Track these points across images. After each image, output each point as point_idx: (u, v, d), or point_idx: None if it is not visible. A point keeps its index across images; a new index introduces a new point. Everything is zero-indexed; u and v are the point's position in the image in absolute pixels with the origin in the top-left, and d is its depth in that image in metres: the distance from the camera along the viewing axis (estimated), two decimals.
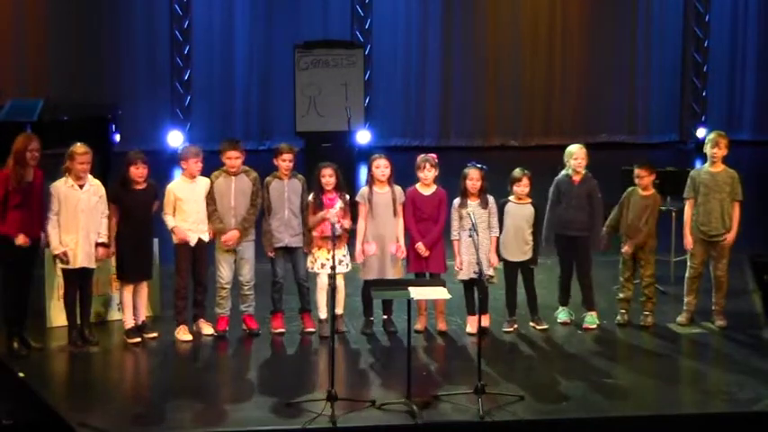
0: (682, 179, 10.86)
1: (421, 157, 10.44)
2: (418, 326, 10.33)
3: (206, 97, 19.56)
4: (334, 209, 10.11)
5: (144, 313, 10.29)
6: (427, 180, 10.32)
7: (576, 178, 10.58)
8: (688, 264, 10.66)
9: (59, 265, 9.95)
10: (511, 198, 10.44)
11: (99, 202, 9.99)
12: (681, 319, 10.62)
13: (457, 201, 10.33)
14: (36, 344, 9.94)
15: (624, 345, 10.27)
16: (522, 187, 10.37)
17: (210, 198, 10.27)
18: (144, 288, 10.28)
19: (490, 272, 10.29)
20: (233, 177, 10.28)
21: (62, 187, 9.84)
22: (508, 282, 10.47)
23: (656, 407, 8.77)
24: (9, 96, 14.71)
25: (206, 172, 10.36)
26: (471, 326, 10.19)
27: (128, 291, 10.15)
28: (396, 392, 8.80)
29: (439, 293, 9.05)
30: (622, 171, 11.40)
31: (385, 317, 10.44)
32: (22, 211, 9.67)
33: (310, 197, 10.24)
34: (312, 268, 10.24)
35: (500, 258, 10.38)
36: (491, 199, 10.35)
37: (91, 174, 10.00)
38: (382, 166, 10.30)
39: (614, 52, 20.62)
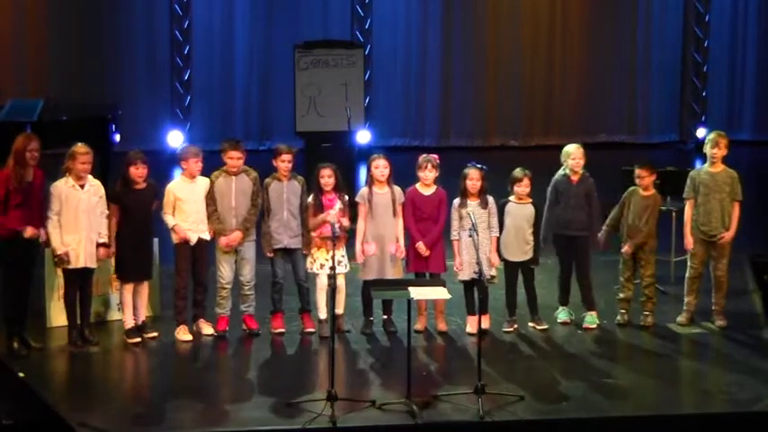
0: (682, 179, 10.86)
1: (423, 156, 10.44)
2: (418, 326, 10.33)
3: (206, 97, 19.56)
4: (334, 209, 10.11)
5: (144, 313, 10.29)
6: (428, 180, 10.32)
7: (575, 178, 10.58)
8: (688, 264, 10.66)
9: (59, 266, 9.94)
10: (511, 198, 10.44)
11: (99, 202, 10.00)
12: (681, 319, 10.62)
13: (457, 201, 10.33)
14: (36, 344, 9.94)
15: (624, 345, 10.27)
16: (523, 187, 10.37)
17: (210, 198, 10.27)
18: (144, 288, 10.28)
19: (492, 272, 10.30)
20: (233, 177, 10.29)
21: (63, 187, 9.84)
22: (508, 282, 10.47)
23: (656, 407, 8.77)
24: (9, 96, 14.70)
25: (206, 172, 10.36)
26: (471, 326, 10.19)
27: (128, 291, 10.15)
28: (396, 392, 8.80)
29: (439, 293, 9.05)
30: (622, 171, 11.40)
31: (385, 317, 10.44)
32: (22, 211, 9.67)
33: (310, 198, 10.24)
34: (312, 269, 10.25)
35: (501, 258, 10.38)
36: (491, 199, 10.35)
37: (91, 174, 10.01)
38: (381, 167, 10.30)
39: (614, 52, 20.62)
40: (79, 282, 9.98)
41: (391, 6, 20.10)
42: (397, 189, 10.35)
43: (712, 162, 10.54)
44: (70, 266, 9.89)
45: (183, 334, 10.22)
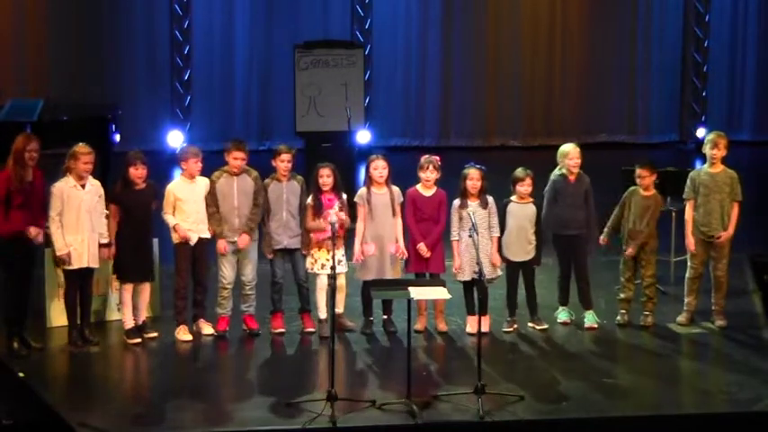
0: (682, 179, 10.85)
1: (425, 157, 10.44)
2: (418, 326, 10.33)
3: (206, 97, 19.55)
4: (334, 209, 10.11)
5: (144, 313, 10.30)
6: (429, 181, 10.32)
7: (572, 178, 10.59)
8: (688, 264, 10.66)
9: (61, 267, 9.93)
10: (513, 198, 10.44)
11: (99, 202, 10.01)
12: (681, 319, 10.62)
13: (457, 201, 10.33)
14: (36, 344, 9.94)
15: (624, 345, 10.28)
16: (526, 187, 10.37)
17: (211, 199, 10.27)
18: (146, 288, 10.28)
19: (497, 272, 10.30)
20: (235, 178, 10.29)
21: (65, 187, 9.84)
22: (510, 281, 10.47)
23: (656, 407, 8.77)
24: (9, 96, 14.70)
25: (206, 172, 10.36)
26: (471, 326, 10.19)
27: (127, 291, 10.15)
28: (396, 392, 8.80)
29: (439, 293, 9.05)
30: (622, 171, 11.40)
31: (385, 317, 10.44)
32: (23, 212, 9.67)
33: (309, 199, 10.24)
34: (312, 269, 10.25)
35: (503, 258, 10.37)
36: (491, 199, 10.35)
37: (91, 174, 10.01)
38: (380, 168, 10.30)
39: (614, 52, 20.60)
40: (80, 282, 9.98)
41: (391, 6, 20.09)
42: (396, 189, 10.36)
43: (712, 163, 10.54)
44: (72, 267, 9.89)
45: (183, 334, 10.23)
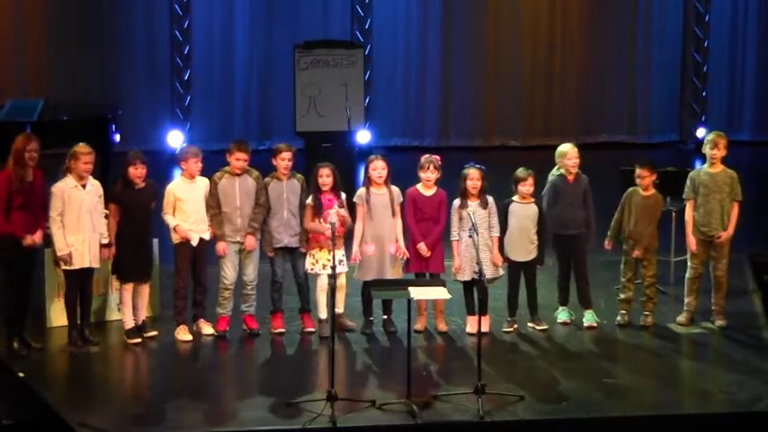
0: (682, 179, 10.85)
1: (425, 157, 10.44)
2: (418, 326, 10.33)
3: (206, 97, 19.54)
4: (334, 209, 10.11)
5: (144, 313, 10.29)
6: (430, 181, 10.32)
7: (571, 177, 10.59)
8: (688, 264, 10.66)
9: (62, 267, 9.93)
10: (515, 198, 10.44)
11: (99, 201, 10.02)
12: (681, 319, 10.62)
13: (457, 201, 10.33)
14: (36, 344, 9.94)
15: (624, 345, 10.27)
16: (528, 187, 10.38)
17: (213, 200, 10.26)
18: (145, 288, 10.28)
19: (500, 272, 10.31)
20: (237, 178, 10.29)
21: (65, 188, 9.84)
22: (511, 281, 10.47)
23: (656, 407, 8.77)
24: (9, 96, 14.70)
25: (206, 172, 10.36)
26: (471, 326, 10.19)
27: (128, 291, 10.15)
28: (396, 392, 8.80)
29: (439, 293, 9.05)
30: (622, 171, 11.39)
31: (385, 317, 10.44)
32: (24, 212, 9.67)
33: (309, 199, 10.24)
34: (313, 269, 10.24)
35: (505, 258, 10.37)
36: (491, 199, 10.35)
37: (91, 174, 10.01)
38: (379, 168, 10.30)
39: (614, 52, 20.59)
40: (80, 282, 9.98)
41: (391, 6, 20.08)
42: (395, 189, 10.36)
43: (711, 163, 10.54)
44: (73, 267, 9.88)
45: (183, 334, 10.23)
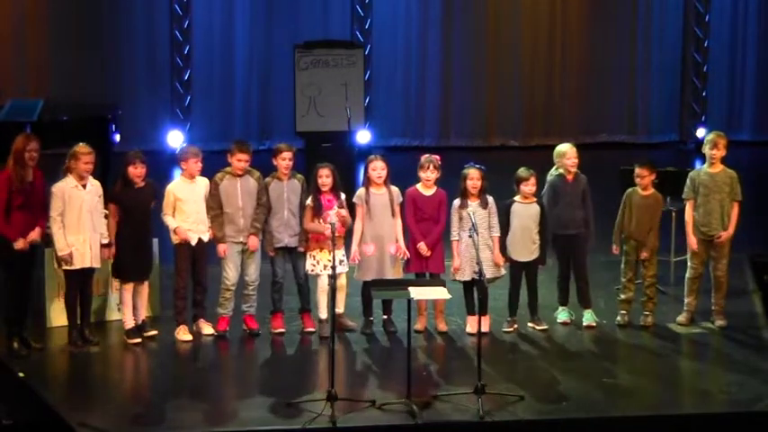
0: (682, 179, 10.85)
1: (425, 157, 10.44)
2: (418, 326, 10.33)
3: (206, 97, 19.54)
4: (333, 209, 10.11)
5: (144, 313, 10.29)
6: (429, 181, 10.32)
7: (570, 177, 10.60)
8: (688, 264, 10.66)
9: (62, 267, 9.93)
10: (516, 198, 10.44)
11: (99, 201, 10.02)
12: (681, 319, 10.62)
13: (457, 201, 10.33)
14: (36, 344, 9.94)
15: (624, 345, 10.27)
16: (530, 186, 10.38)
17: (214, 202, 10.25)
18: (144, 288, 10.28)
19: (501, 272, 10.31)
20: (238, 179, 10.28)
21: (66, 188, 9.84)
22: (513, 281, 10.47)
23: (656, 407, 8.78)
24: (9, 96, 14.69)
25: (206, 172, 10.36)
26: (471, 326, 10.19)
27: (128, 291, 10.15)
28: (396, 392, 8.80)
29: (439, 293, 9.05)
30: (621, 171, 11.39)
31: (385, 317, 10.44)
32: (24, 212, 9.67)
33: (308, 200, 10.24)
34: (314, 270, 10.24)
35: (507, 258, 10.37)
36: (491, 199, 10.35)
37: (91, 174, 10.01)
38: (378, 168, 10.30)
39: (614, 52, 20.58)
40: (80, 282, 9.98)
41: (391, 6, 20.07)
42: (395, 189, 10.36)
43: (711, 163, 10.54)
44: (73, 267, 9.88)
45: (183, 334, 10.22)
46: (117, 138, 14.47)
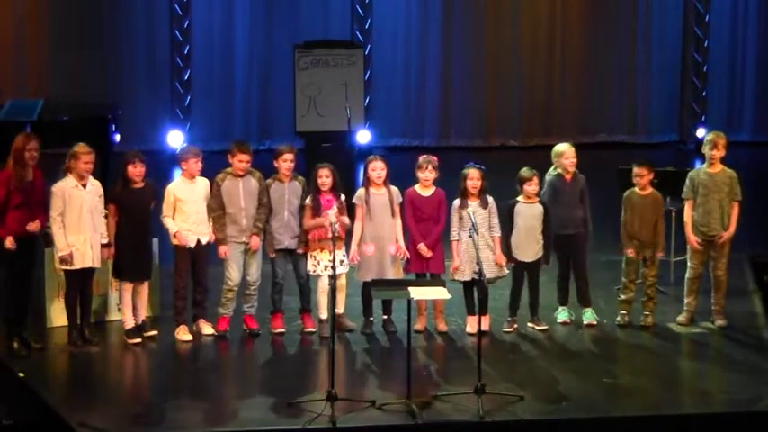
0: (681, 179, 10.85)
1: (423, 157, 10.44)
2: (418, 326, 10.33)
3: (206, 97, 19.52)
4: (333, 209, 10.11)
5: (144, 313, 10.29)
6: (428, 181, 10.32)
7: (568, 177, 10.60)
8: (688, 264, 10.66)
9: (63, 267, 9.93)
10: (520, 198, 10.44)
11: (99, 201, 10.02)
12: (681, 318, 10.63)
13: (457, 201, 10.32)
14: (36, 344, 9.94)
15: (624, 345, 10.28)
16: (533, 186, 10.38)
17: (215, 203, 10.25)
18: (144, 288, 10.28)
19: (504, 272, 10.31)
20: (240, 179, 10.28)
21: (66, 188, 9.84)
22: (516, 281, 10.46)
23: (656, 407, 8.77)
24: (9, 96, 14.69)
25: (206, 172, 10.36)
26: (471, 326, 10.19)
27: (127, 291, 10.15)
28: (396, 392, 8.80)
29: (439, 293, 9.06)
30: (620, 171, 11.39)
31: (385, 317, 10.44)
32: (22, 212, 9.67)
33: (308, 200, 10.24)
34: (315, 271, 10.23)
35: (513, 259, 10.36)
36: (491, 199, 10.35)
37: (91, 174, 10.01)
38: (378, 169, 10.30)
39: (614, 52, 20.57)
40: (80, 282, 9.98)
41: (391, 6, 20.06)
42: (395, 189, 10.36)
43: (711, 163, 10.54)
44: (74, 267, 9.88)
45: (183, 334, 10.22)
46: (117, 138, 14.46)
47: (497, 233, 10.32)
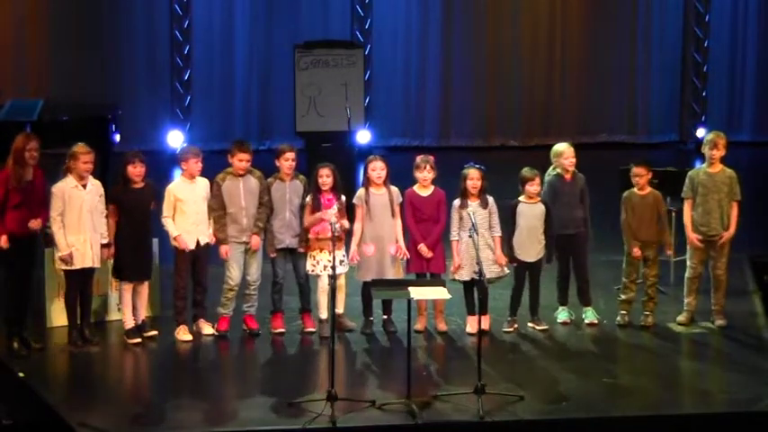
0: (682, 179, 10.84)
1: (420, 157, 10.44)
2: (418, 326, 10.33)
3: (206, 97, 19.53)
4: (333, 209, 10.11)
5: (144, 313, 10.29)
6: (426, 181, 10.32)
7: (568, 176, 10.60)
8: (687, 264, 10.66)
9: (62, 267, 9.93)
10: (521, 198, 10.44)
11: (100, 201, 10.02)
12: (681, 318, 10.63)
13: (457, 202, 10.32)
14: (36, 344, 9.94)
15: (624, 345, 10.28)
16: (535, 186, 10.38)
17: (216, 203, 10.24)
18: (144, 288, 10.27)
19: (505, 271, 10.30)
20: (240, 179, 10.28)
21: (66, 188, 9.84)
22: (518, 281, 10.46)
23: (656, 407, 8.77)
24: (9, 96, 14.69)
25: (206, 172, 10.36)
26: (471, 326, 10.19)
27: (127, 290, 10.15)
28: (396, 392, 8.80)
29: (439, 293, 9.06)
30: (621, 171, 11.38)
31: (385, 317, 10.44)
32: (21, 211, 9.67)
33: (308, 198, 10.24)
34: (314, 271, 10.23)
35: (515, 259, 10.36)
36: (491, 199, 10.34)
37: (91, 174, 10.01)
38: (378, 169, 10.30)
39: (614, 52, 20.58)
40: (80, 282, 9.98)
41: (391, 6, 20.07)
42: (395, 189, 10.35)
43: (711, 162, 10.54)
44: (74, 267, 9.88)
45: (183, 334, 10.22)
46: (117, 138, 14.47)
47: (498, 233, 10.31)
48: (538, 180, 10.40)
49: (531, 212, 10.39)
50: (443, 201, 10.34)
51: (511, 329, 10.40)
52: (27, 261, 9.84)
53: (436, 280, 9.74)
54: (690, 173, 10.70)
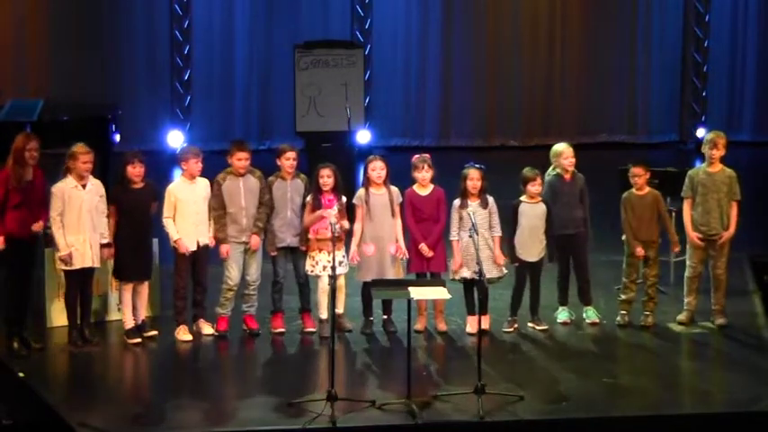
0: (681, 179, 10.84)
1: (417, 157, 10.43)
2: (418, 326, 10.33)
3: (206, 97, 19.53)
4: (333, 209, 10.11)
5: (143, 313, 10.29)
6: (425, 180, 10.32)
7: (567, 176, 10.60)
8: (687, 263, 10.66)
9: (62, 267, 9.92)
10: (523, 198, 10.44)
11: (100, 201, 10.01)
12: (681, 318, 10.63)
13: (457, 201, 10.32)
14: (36, 344, 9.94)
15: (624, 344, 10.28)
16: (537, 186, 10.38)
17: (216, 203, 10.24)
18: (144, 288, 10.28)
19: (504, 271, 10.30)
20: (240, 178, 10.28)
21: (65, 188, 9.84)
22: (519, 281, 10.46)
23: (656, 407, 8.77)
24: (9, 96, 14.69)
25: (206, 172, 10.36)
26: (471, 326, 10.19)
27: (127, 290, 10.15)
28: (396, 392, 8.80)
29: (439, 293, 9.05)
30: (620, 171, 11.37)
31: (385, 317, 10.44)
32: (20, 211, 9.67)
33: (308, 198, 10.25)
34: (313, 271, 10.23)
35: (517, 259, 10.36)
36: (491, 199, 10.35)
37: (91, 174, 10.01)
38: (378, 169, 10.30)
39: (614, 52, 20.58)
40: (80, 282, 9.98)
41: (391, 6, 20.07)
42: (395, 189, 10.35)
43: (711, 162, 10.54)
44: (73, 267, 9.88)
45: (183, 334, 10.22)
46: (117, 138, 14.46)
47: (498, 233, 10.32)
48: (539, 180, 10.40)
49: (532, 212, 10.40)
50: (443, 199, 10.34)
51: (511, 329, 10.40)
52: (27, 261, 9.85)
53: (436, 280, 9.73)
54: (689, 172, 10.71)
